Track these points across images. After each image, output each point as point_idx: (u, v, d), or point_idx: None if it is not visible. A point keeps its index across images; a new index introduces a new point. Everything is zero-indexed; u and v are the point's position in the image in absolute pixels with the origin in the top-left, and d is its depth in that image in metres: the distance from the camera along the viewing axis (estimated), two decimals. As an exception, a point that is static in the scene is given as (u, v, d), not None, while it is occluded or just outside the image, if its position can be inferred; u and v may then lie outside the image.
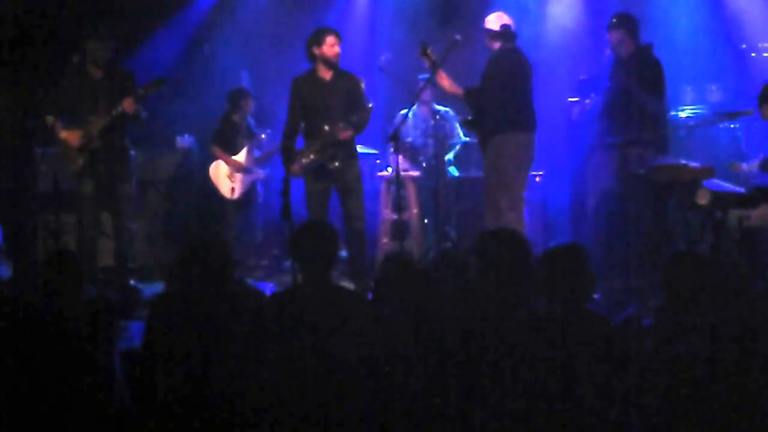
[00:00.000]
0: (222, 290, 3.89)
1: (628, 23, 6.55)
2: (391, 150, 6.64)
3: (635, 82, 6.30)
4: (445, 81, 6.54)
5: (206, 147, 7.96)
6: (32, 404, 3.59)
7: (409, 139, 7.66)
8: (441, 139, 7.51)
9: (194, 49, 8.98)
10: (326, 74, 6.54)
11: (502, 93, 6.35)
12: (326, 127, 6.46)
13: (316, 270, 3.86)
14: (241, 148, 7.65)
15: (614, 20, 6.56)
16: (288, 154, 6.62)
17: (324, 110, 6.54)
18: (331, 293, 3.83)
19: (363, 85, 6.60)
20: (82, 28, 6.70)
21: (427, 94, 7.30)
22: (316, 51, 6.52)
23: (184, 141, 8.18)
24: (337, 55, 6.50)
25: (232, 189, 7.56)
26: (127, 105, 6.45)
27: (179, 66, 8.66)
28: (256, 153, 7.69)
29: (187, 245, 4.45)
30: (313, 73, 6.59)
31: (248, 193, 7.65)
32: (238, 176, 7.59)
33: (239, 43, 9.12)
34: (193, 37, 8.98)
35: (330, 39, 6.48)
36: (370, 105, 6.55)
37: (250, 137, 7.71)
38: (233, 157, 7.64)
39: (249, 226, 7.69)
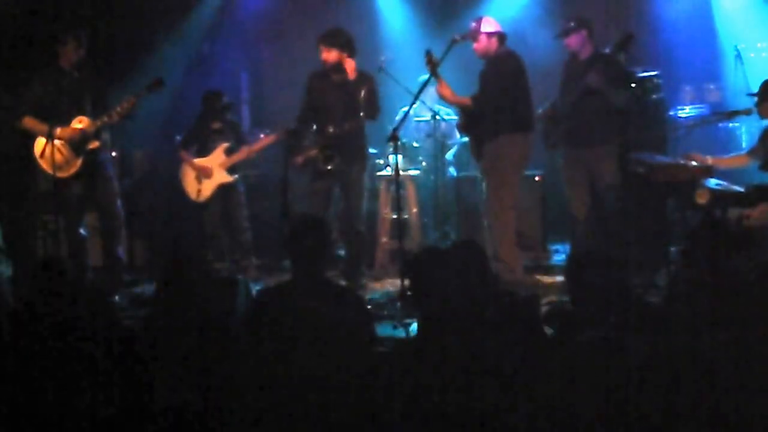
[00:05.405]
0: (212, 288, 3.90)
1: (588, 24, 6.59)
2: (391, 149, 6.65)
3: (604, 79, 6.31)
4: (446, 91, 6.52)
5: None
6: (31, 405, 3.59)
7: (407, 139, 7.66)
8: (440, 138, 7.51)
9: (194, 50, 8.99)
10: (344, 74, 6.59)
11: (510, 94, 6.38)
12: (330, 129, 6.52)
13: (308, 265, 3.86)
14: (212, 151, 7.56)
15: (574, 23, 6.57)
16: (294, 145, 6.70)
17: (328, 110, 6.59)
18: (323, 289, 3.84)
19: (376, 87, 6.64)
20: (61, 28, 6.70)
21: (427, 95, 7.30)
22: None
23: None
24: (326, 62, 6.57)
25: (198, 192, 7.48)
26: (128, 106, 6.48)
27: (179, 66, 8.67)
28: (229, 156, 7.53)
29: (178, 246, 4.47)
30: (331, 70, 6.63)
31: (224, 194, 7.55)
32: (205, 179, 7.50)
33: (239, 43, 9.13)
34: (194, 37, 9.00)
35: (319, 47, 6.60)
36: (378, 109, 6.66)
37: (225, 139, 7.58)
38: (199, 160, 7.55)
39: (235, 227, 7.61)
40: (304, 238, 3.89)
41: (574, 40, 6.57)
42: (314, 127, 6.77)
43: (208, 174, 7.48)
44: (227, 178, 7.51)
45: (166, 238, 7.94)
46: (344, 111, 6.53)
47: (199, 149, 7.59)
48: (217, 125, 7.58)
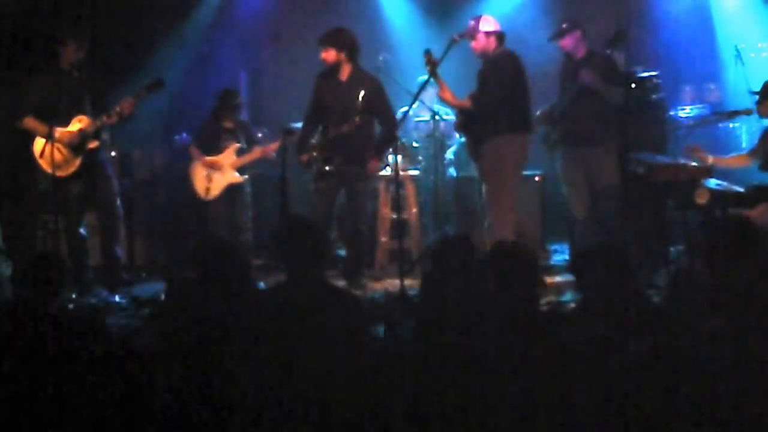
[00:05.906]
0: (226, 287, 3.89)
1: (581, 25, 6.61)
2: (390, 149, 6.65)
3: (600, 77, 6.33)
4: (447, 94, 6.53)
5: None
6: (30, 404, 3.58)
7: (407, 139, 7.66)
8: (440, 138, 7.51)
9: (194, 50, 8.99)
10: (343, 74, 6.59)
11: (509, 94, 6.37)
12: (331, 129, 6.53)
13: (302, 266, 3.86)
14: (224, 150, 7.54)
15: (567, 25, 6.61)
16: (301, 143, 6.73)
17: (329, 110, 6.59)
18: (319, 289, 3.83)
19: (380, 88, 6.65)
20: (61, 28, 6.70)
21: (426, 95, 7.30)
22: None
23: (182, 140, 8.15)
24: (324, 61, 6.59)
25: (207, 189, 7.47)
26: (128, 106, 6.48)
27: (179, 66, 8.66)
28: (239, 157, 7.51)
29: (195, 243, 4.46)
30: (333, 70, 6.63)
31: (231, 194, 7.53)
32: (215, 177, 7.48)
33: (239, 43, 9.13)
34: (193, 37, 8.99)
35: (318, 47, 6.60)
36: (393, 114, 6.65)
37: (236, 139, 7.56)
38: (209, 158, 7.52)
39: (238, 227, 7.60)
40: (297, 240, 3.89)
41: (568, 41, 6.60)
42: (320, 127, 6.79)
43: (219, 170, 7.46)
44: (237, 179, 7.51)
45: (166, 238, 7.94)
46: (343, 112, 6.53)
47: (209, 147, 7.56)
48: (229, 124, 7.59)
